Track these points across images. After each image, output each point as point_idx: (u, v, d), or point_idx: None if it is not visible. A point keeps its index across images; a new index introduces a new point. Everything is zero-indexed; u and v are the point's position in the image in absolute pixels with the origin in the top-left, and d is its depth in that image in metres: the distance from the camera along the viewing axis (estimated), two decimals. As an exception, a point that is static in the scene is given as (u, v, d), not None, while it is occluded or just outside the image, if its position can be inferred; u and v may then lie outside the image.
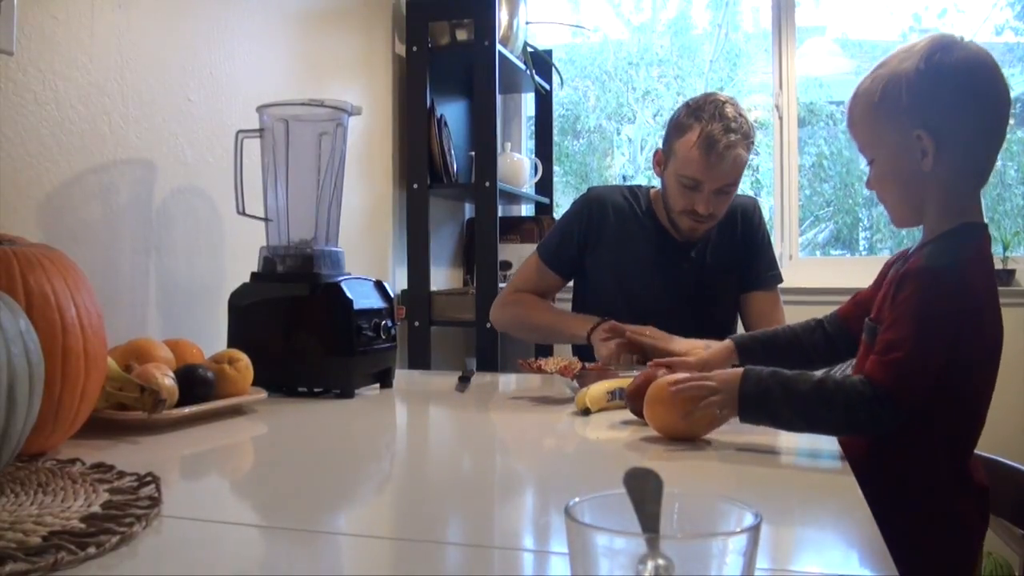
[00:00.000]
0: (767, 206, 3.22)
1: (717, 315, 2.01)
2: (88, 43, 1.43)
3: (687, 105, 1.88)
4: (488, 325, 2.42)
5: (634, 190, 2.07)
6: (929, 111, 1.15)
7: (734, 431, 1.17)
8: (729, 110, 1.82)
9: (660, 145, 1.96)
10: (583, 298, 2.08)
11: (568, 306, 2.15)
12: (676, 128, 1.88)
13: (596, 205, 2.02)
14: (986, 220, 1.22)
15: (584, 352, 1.89)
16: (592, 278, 2.03)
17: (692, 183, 1.84)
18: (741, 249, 2.00)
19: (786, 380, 1.09)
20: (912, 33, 3.29)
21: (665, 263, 1.97)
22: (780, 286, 2.07)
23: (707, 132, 1.80)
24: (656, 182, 2.04)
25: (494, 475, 1.10)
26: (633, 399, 1.26)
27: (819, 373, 1.13)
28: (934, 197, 1.19)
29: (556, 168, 3.21)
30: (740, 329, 2.06)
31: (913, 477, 1.17)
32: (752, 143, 1.86)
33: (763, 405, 1.09)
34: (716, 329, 1.82)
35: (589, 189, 2.13)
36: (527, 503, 0.95)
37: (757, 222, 2.03)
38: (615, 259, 1.99)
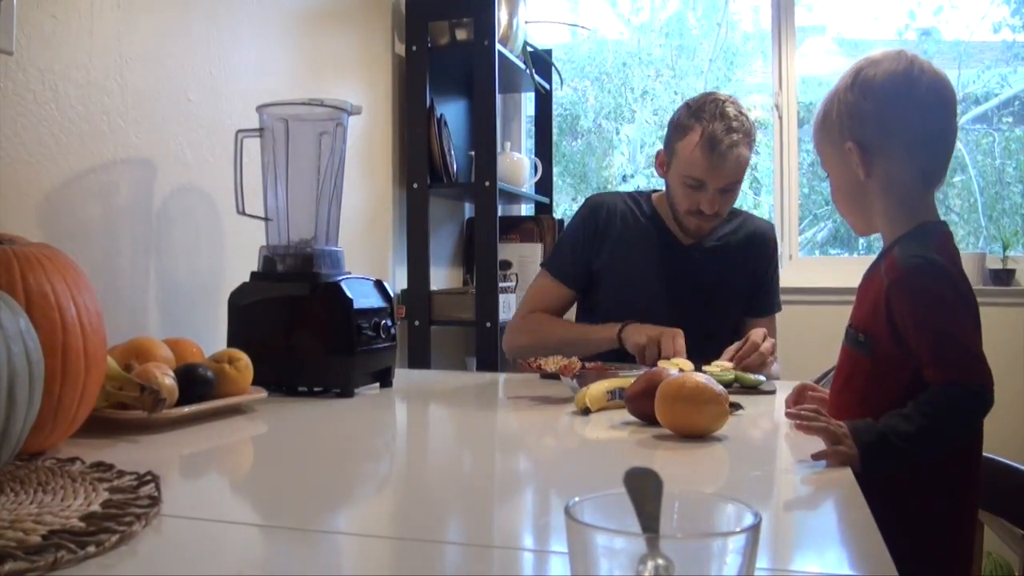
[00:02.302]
0: (767, 205, 3.22)
1: (721, 327, 1.98)
2: (88, 43, 1.43)
3: (687, 106, 1.88)
4: (487, 324, 2.43)
5: (635, 196, 2.06)
6: (855, 124, 1.21)
7: (735, 431, 1.17)
8: (730, 109, 1.82)
9: (661, 146, 1.96)
10: (587, 306, 2.05)
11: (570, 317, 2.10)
12: (677, 129, 1.87)
13: (601, 211, 2.01)
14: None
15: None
16: (598, 284, 2.01)
17: (696, 183, 1.84)
18: (752, 275, 2.00)
19: (886, 420, 1.07)
20: (908, 31, 3.29)
21: (670, 266, 1.96)
22: (780, 284, 2.08)
23: (709, 132, 1.80)
24: (656, 183, 2.03)
25: (494, 475, 1.10)
26: (634, 401, 1.25)
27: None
28: (878, 204, 1.23)
29: (555, 168, 3.21)
30: None
31: (914, 478, 1.17)
32: (754, 141, 1.87)
33: (883, 448, 1.05)
34: (719, 339, 1.80)
35: (590, 196, 2.10)
36: (527, 503, 0.95)
37: (772, 251, 2.04)
38: (620, 264, 1.97)
